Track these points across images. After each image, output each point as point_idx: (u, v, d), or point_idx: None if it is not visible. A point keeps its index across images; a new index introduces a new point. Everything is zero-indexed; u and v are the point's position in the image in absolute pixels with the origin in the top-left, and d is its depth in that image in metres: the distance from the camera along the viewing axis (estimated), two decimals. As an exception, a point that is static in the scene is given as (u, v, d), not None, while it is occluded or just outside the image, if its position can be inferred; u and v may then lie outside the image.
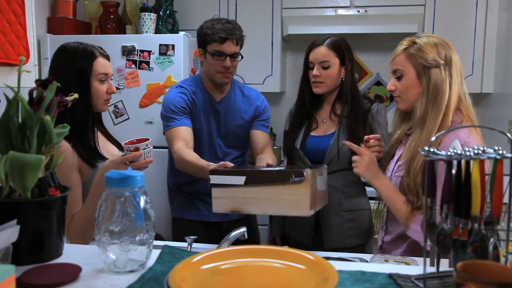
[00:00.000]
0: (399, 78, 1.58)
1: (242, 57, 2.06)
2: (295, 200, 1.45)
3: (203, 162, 1.79)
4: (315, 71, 1.83)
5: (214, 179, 1.54)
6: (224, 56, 1.97)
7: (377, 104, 1.91)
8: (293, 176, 1.44)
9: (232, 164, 1.64)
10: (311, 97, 1.91)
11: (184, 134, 1.96)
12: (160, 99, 2.67)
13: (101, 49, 1.64)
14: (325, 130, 1.90)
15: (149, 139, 1.50)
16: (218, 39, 1.95)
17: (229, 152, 2.13)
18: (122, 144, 1.47)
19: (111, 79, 1.66)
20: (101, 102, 1.62)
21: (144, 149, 1.46)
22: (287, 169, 1.50)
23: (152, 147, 1.50)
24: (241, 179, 1.52)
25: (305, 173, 1.44)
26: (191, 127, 2.01)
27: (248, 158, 2.29)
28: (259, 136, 2.14)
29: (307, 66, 1.88)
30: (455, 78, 1.52)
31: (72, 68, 1.56)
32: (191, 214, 2.14)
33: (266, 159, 2.00)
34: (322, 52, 1.84)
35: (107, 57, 1.65)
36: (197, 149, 2.00)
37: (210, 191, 1.67)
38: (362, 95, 1.94)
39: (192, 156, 1.86)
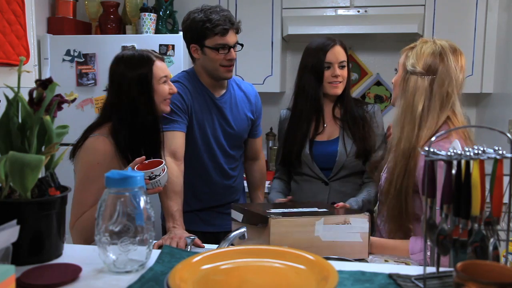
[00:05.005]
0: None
1: (242, 46, 1.88)
2: (260, 244, 1.38)
3: (173, 206, 1.70)
4: (337, 71, 1.80)
5: (232, 213, 1.56)
6: (228, 48, 1.80)
7: (373, 105, 1.92)
8: (260, 223, 1.39)
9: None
10: (321, 99, 1.85)
11: (175, 142, 1.79)
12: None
13: (155, 52, 1.68)
14: (328, 134, 1.87)
15: (161, 163, 1.48)
16: (221, 31, 1.76)
17: (233, 154, 1.99)
18: (135, 167, 1.46)
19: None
20: (164, 103, 1.66)
21: (149, 176, 1.45)
22: (262, 214, 1.41)
23: (162, 173, 1.46)
24: (240, 216, 1.52)
25: (271, 220, 1.34)
26: (184, 132, 1.84)
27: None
28: (256, 143, 2.11)
29: (322, 67, 1.81)
30: (436, 92, 1.44)
31: (133, 76, 1.59)
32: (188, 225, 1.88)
33: (260, 170, 2.14)
34: (340, 51, 1.82)
35: (162, 59, 1.69)
36: (208, 152, 1.91)
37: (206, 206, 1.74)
38: (354, 97, 1.95)
39: (175, 184, 1.73)
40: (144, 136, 1.62)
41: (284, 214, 1.40)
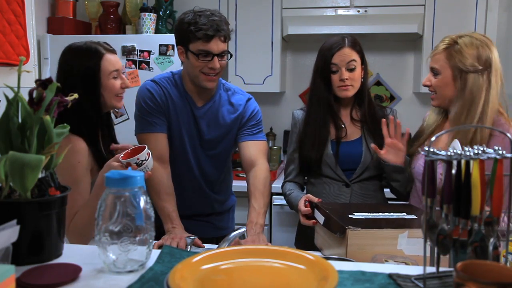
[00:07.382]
0: (435, 75, 1.61)
1: (231, 56, 1.75)
2: (339, 253, 1.32)
3: (170, 208, 1.66)
4: (344, 75, 1.73)
5: (315, 213, 1.55)
6: (211, 56, 1.66)
7: (390, 108, 1.90)
8: (338, 232, 1.31)
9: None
10: (335, 102, 1.81)
11: (159, 145, 1.73)
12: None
13: (106, 44, 1.60)
14: (348, 136, 1.82)
15: (144, 148, 1.44)
16: (203, 37, 1.63)
17: (208, 170, 1.88)
18: (119, 158, 1.41)
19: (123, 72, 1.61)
20: (116, 98, 1.58)
21: (136, 163, 1.40)
22: (341, 223, 1.32)
23: (147, 158, 1.43)
24: (322, 219, 1.47)
25: (349, 232, 1.25)
26: (166, 133, 1.76)
27: (232, 177, 2.06)
28: (249, 147, 1.84)
29: (329, 70, 1.75)
30: (493, 83, 1.52)
31: (78, 68, 1.52)
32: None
33: (257, 182, 1.73)
34: (347, 53, 1.74)
35: (113, 52, 1.60)
36: (183, 159, 1.82)
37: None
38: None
39: (164, 192, 1.68)
40: (95, 132, 1.54)
41: (365, 224, 1.29)
